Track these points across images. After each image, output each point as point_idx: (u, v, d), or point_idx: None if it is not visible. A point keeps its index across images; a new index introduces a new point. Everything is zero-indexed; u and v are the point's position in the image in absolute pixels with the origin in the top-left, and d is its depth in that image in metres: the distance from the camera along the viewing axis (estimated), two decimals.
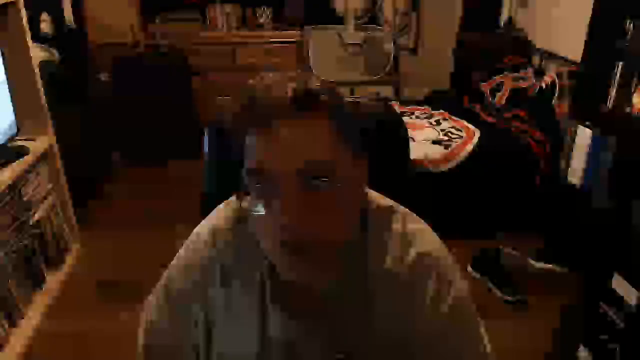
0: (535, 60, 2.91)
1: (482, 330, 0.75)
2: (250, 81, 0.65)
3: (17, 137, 2.07)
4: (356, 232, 0.72)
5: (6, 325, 1.87)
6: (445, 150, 2.45)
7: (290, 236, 0.62)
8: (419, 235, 0.74)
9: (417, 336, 0.72)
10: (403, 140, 1.04)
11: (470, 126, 2.68)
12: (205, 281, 0.77)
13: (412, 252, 0.72)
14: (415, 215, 0.78)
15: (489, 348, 0.74)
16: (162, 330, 0.80)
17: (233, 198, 0.78)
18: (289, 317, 0.74)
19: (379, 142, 0.71)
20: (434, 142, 2.53)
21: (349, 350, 0.73)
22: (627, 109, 1.88)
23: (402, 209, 0.77)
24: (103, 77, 3.36)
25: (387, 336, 0.72)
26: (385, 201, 0.77)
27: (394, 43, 3.80)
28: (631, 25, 1.86)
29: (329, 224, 0.64)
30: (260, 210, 0.64)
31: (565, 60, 2.59)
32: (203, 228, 0.80)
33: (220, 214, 0.80)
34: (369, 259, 0.73)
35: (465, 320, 0.73)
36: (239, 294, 0.76)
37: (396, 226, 0.74)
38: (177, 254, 0.82)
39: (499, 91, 2.85)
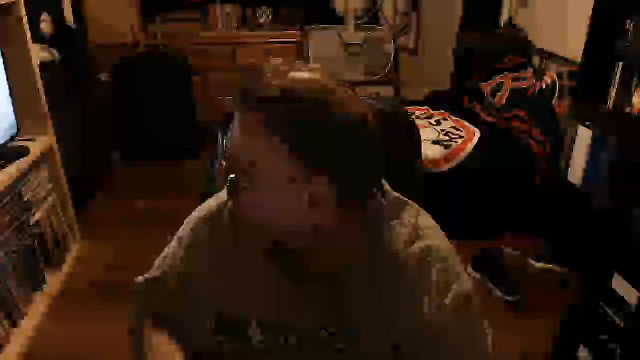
0: (535, 60, 2.91)
1: (486, 326, 0.76)
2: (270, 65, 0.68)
3: (17, 137, 2.07)
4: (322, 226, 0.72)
5: (6, 325, 1.87)
6: (445, 150, 2.45)
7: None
8: (429, 230, 0.76)
9: (420, 327, 0.72)
10: (415, 140, 1.05)
11: (470, 126, 2.68)
12: (214, 226, 0.83)
13: (421, 244, 0.74)
14: (427, 214, 0.80)
15: (491, 345, 0.75)
16: (174, 266, 0.86)
17: None
18: (289, 277, 0.76)
19: (390, 141, 0.73)
20: (434, 142, 2.53)
21: (343, 326, 0.75)
22: (627, 109, 1.88)
23: (416, 205, 0.80)
24: (103, 77, 3.36)
25: (388, 321, 0.74)
26: (401, 196, 0.80)
27: (394, 43, 3.80)
28: (631, 25, 1.86)
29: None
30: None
31: (565, 60, 2.59)
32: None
33: None
34: (380, 245, 0.74)
35: (467, 315, 0.74)
36: (245, 251, 0.79)
37: (409, 218, 0.76)
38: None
39: (499, 91, 2.85)
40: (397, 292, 0.73)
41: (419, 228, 0.75)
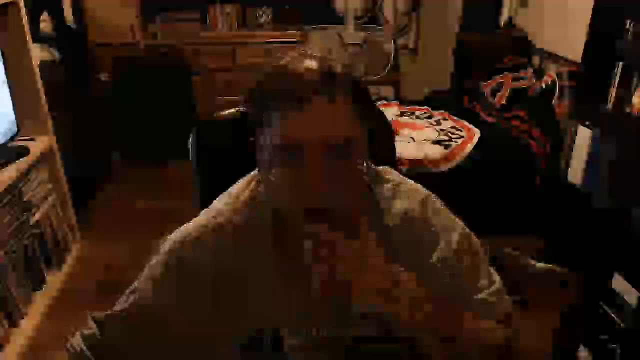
0: (535, 60, 2.91)
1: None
2: (278, 60, 0.71)
3: (17, 137, 2.07)
4: (362, 200, 0.79)
5: (6, 325, 1.87)
6: (445, 150, 2.45)
7: (313, 202, 0.67)
8: (411, 189, 0.89)
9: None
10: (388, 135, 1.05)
11: (470, 126, 2.68)
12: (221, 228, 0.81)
13: (388, 184, 0.85)
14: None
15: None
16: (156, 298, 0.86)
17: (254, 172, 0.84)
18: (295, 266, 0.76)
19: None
20: (434, 142, 2.53)
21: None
22: (627, 109, 1.88)
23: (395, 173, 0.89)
24: (103, 77, 3.36)
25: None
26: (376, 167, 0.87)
27: (394, 43, 3.80)
28: (631, 25, 1.86)
29: (344, 190, 0.69)
30: (285, 179, 0.69)
31: (565, 60, 2.59)
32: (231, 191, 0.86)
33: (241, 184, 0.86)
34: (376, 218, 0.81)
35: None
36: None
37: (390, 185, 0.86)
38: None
39: (499, 91, 2.84)
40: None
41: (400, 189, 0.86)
